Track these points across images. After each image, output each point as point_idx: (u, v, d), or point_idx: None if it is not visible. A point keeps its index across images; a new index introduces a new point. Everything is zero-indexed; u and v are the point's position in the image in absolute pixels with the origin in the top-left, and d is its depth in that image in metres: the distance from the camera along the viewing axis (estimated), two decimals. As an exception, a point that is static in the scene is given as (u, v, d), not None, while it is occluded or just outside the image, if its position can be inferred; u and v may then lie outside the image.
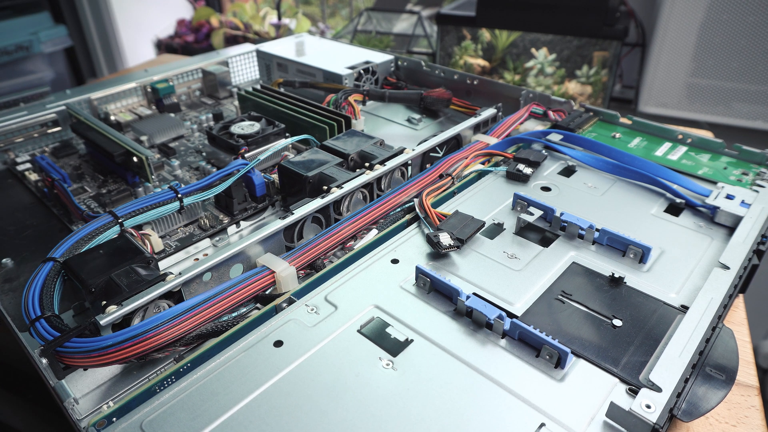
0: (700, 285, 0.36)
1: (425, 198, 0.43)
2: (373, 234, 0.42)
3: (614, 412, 0.27)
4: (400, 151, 0.49)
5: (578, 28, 1.49)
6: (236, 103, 0.69)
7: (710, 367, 0.30)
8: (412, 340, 0.32)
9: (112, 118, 0.66)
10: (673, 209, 0.45)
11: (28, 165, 0.57)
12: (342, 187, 0.44)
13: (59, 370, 0.32)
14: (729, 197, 0.44)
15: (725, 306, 0.34)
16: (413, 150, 0.50)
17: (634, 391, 0.29)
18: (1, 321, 0.38)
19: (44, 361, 0.31)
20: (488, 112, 0.59)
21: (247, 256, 0.39)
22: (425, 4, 2.24)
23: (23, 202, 0.52)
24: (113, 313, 0.32)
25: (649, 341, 0.32)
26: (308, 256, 0.39)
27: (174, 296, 0.35)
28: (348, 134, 0.53)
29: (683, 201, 0.45)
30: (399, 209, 0.45)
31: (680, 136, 0.55)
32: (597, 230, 0.40)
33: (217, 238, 0.45)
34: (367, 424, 0.28)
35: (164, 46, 1.80)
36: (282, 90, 0.65)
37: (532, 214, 0.42)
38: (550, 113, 0.59)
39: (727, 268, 0.36)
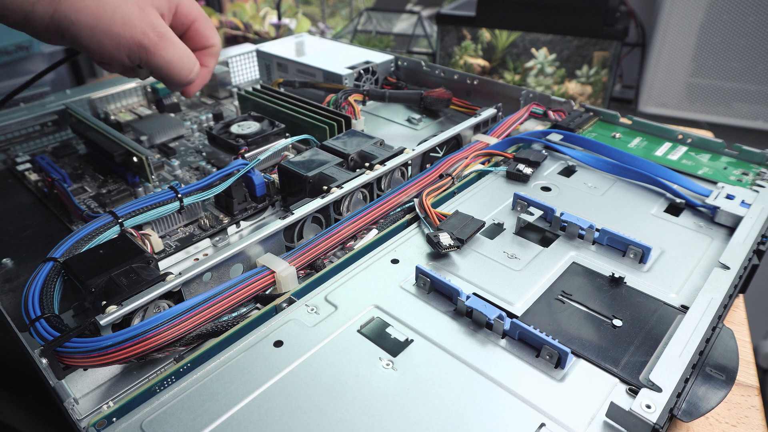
0: (700, 285, 0.36)
1: (425, 198, 0.43)
2: (373, 234, 0.42)
3: (614, 412, 0.27)
4: (400, 151, 0.49)
5: (578, 28, 1.49)
6: (236, 103, 0.69)
7: (710, 367, 0.30)
8: (412, 340, 0.32)
9: (112, 118, 0.66)
10: (673, 209, 0.45)
11: (28, 165, 0.57)
12: (342, 187, 0.44)
13: (59, 370, 0.32)
14: (729, 197, 0.44)
15: (725, 306, 0.34)
16: (413, 150, 0.50)
17: (634, 391, 0.29)
18: (1, 321, 0.38)
19: (44, 361, 0.31)
20: (488, 112, 0.59)
21: (247, 256, 0.39)
22: (425, 4, 2.24)
23: (23, 202, 0.52)
24: (113, 313, 0.32)
25: (649, 341, 0.32)
26: (308, 256, 0.39)
27: (174, 296, 0.35)
28: (348, 134, 0.53)
29: (683, 201, 0.45)
30: (399, 209, 0.45)
31: (680, 136, 0.55)
32: (597, 230, 0.40)
33: (217, 238, 0.45)
34: (367, 424, 0.28)
35: (164, 46, 1.79)
36: (282, 90, 0.65)
37: (532, 214, 0.42)
38: (550, 113, 0.59)
39: (727, 268, 0.36)
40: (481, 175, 0.50)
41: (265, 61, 0.77)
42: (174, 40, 0.43)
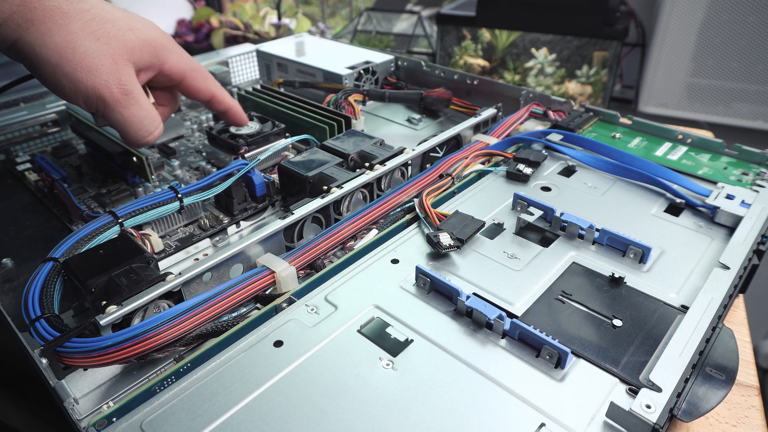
0: (700, 285, 0.36)
1: (425, 198, 0.43)
2: (373, 234, 0.42)
3: (614, 412, 0.27)
4: (400, 151, 0.49)
5: (578, 28, 1.49)
6: (236, 103, 0.69)
7: (710, 367, 0.30)
8: (412, 340, 0.32)
9: (112, 118, 0.66)
10: (673, 209, 0.45)
11: (28, 165, 0.57)
12: (342, 187, 0.44)
13: (59, 370, 0.32)
14: (729, 197, 0.44)
15: (725, 306, 0.34)
16: (413, 150, 0.50)
17: (634, 391, 0.29)
18: (1, 321, 0.38)
19: (44, 361, 0.31)
20: (488, 112, 0.59)
21: (247, 256, 0.39)
22: (425, 4, 2.24)
23: (23, 202, 0.52)
24: (113, 313, 0.32)
25: (649, 341, 0.32)
26: (308, 256, 0.39)
27: (174, 296, 0.35)
28: (348, 134, 0.53)
29: (683, 201, 0.45)
30: (399, 209, 0.45)
31: (680, 136, 0.55)
32: (597, 230, 0.40)
33: (217, 238, 0.45)
34: (367, 424, 0.28)
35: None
36: (282, 90, 0.65)
37: (532, 214, 0.42)
38: (550, 113, 0.59)
39: (727, 268, 0.36)
40: (481, 175, 0.50)
41: (265, 61, 0.77)
42: (140, 99, 0.40)
